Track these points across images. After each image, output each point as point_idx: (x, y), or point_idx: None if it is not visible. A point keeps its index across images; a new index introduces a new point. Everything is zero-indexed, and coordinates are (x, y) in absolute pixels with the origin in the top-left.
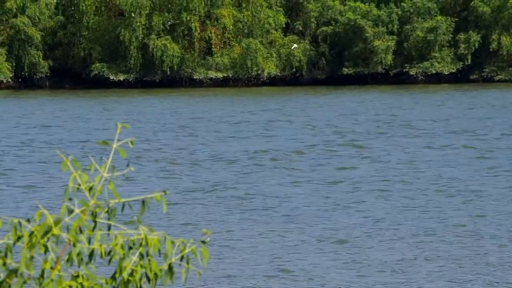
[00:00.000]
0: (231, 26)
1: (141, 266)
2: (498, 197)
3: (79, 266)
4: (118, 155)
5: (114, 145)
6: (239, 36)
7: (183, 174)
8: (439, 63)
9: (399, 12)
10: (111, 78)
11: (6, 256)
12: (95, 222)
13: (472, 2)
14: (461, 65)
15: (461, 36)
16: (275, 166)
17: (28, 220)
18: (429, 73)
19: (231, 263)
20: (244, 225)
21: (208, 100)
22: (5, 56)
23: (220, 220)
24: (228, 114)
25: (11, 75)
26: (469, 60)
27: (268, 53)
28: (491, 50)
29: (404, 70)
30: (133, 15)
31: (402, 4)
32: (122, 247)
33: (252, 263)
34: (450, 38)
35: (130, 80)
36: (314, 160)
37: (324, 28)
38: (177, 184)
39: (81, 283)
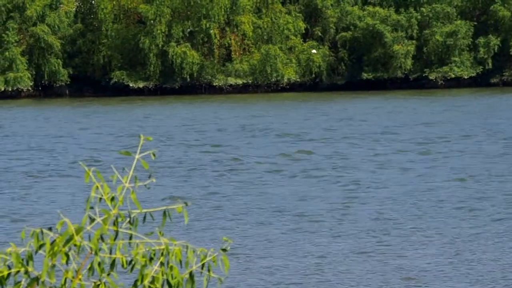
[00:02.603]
0: (251, 32)
1: (162, 273)
2: None
3: (100, 275)
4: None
5: (137, 156)
6: (258, 43)
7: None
8: (458, 67)
9: (418, 17)
10: (131, 85)
11: (27, 264)
12: (116, 231)
13: (492, 6)
14: (481, 69)
15: (481, 40)
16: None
17: (50, 229)
18: (449, 78)
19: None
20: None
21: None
22: (25, 65)
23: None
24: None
25: (31, 84)
26: (489, 64)
27: (287, 59)
28: (511, 53)
29: (423, 75)
30: (152, 22)
31: (421, 8)
32: (143, 256)
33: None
34: (469, 42)
35: (150, 87)
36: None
37: (343, 33)
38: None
39: None
